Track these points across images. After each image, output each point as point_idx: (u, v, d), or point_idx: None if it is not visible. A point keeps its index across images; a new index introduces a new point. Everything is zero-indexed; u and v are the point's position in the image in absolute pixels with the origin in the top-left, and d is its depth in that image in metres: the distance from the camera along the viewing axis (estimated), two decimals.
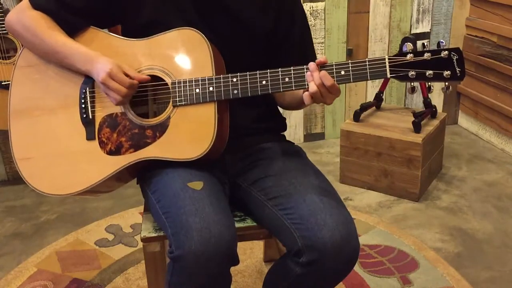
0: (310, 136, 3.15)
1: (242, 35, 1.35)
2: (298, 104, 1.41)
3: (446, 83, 1.19)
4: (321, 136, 3.17)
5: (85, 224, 2.32)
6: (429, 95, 2.59)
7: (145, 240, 1.38)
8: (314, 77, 1.18)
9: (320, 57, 1.20)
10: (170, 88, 1.27)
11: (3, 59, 2.40)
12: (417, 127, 2.41)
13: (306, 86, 1.21)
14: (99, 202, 2.50)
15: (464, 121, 3.28)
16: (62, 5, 1.32)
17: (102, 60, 1.27)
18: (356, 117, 2.58)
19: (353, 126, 2.54)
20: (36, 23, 1.31)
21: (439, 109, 3.11)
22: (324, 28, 2.94)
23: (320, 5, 2.89)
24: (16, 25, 1.34)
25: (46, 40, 1.30)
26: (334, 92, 1.19)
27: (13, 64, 1.38)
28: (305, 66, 1.21)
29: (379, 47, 3.06)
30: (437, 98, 3.19)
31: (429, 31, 3.09)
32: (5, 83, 2.39)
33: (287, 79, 1.22)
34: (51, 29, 1.31)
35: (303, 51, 1.43)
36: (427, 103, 2.59)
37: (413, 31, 3.07)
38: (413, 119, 2.43)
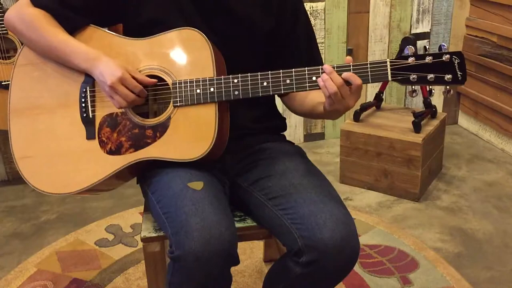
0: (310, 136, 3.15)
1: (244, 35, 1.35)
2: (313, 111, 1.37)
3: (447, 87, 1.19)
4: (321, 136, 3.17)
5: (85, 224, 2.32)
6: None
7: (145, 240, 1.38)
8: (333, 78, 1.16)
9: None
10: (171, 88, 1.27)
11: (3, 59, 2.40)
12: (417, 127, 2.41)
13: (308, 88, 1.21)
14: (99, 202, 2.50)
15: (464, 121, 3.28)
16: (62, 2, 1.32)
17: (106, 60, 1.26)
18: (356, 117, 2.58)
19: (353, 126, 2.54)
20: (36, 19, 1.31)
21: (439, 109, 3.11)
22: (324, 28, 2.94)
23: (320, 5, 2.89)
24: (16, 22, 1.33)
25: (46, 37, 1.30)
26: (355, 92, 1.18)
27: (13, 64, 1.38)
28: (306, 68, 1.20)
29: (379, 47, 3.06)
30: (437, 98, 3.19)
31: (429, 31, 3.09)
32: (5, 83, 2.39)
33: (288, 81, 1.22)
34: (52, 26, 1.31)
35: (309, 49, 1.43)
36: (427, 103, 2.60)
37: (413, 31, 3.07)
38: (413, 119, 2.43)
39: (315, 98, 1.34)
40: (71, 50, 1.29)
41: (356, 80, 1.16)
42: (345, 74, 1.16)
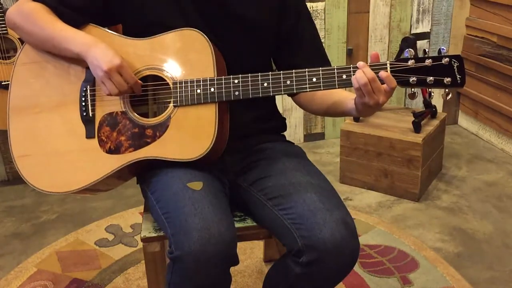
0: (310, 136, 3.15)
1: (245, 35, 1.35)
2: (335, 108, 1.35)
3: (447, 90, 1.19)
4: (321, 136, 3.17)
5: (85, 224, 2.32)
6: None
7: (145, 240, 1.38)
8: (365, 71, 1.14)
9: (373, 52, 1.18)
10: (171, 88, 1.27)
11: (3, 59, 2.40)
12: (417, 127, 2.41)
13: (308, 89, 1.21)
14: (99, 202, 2.50)
15: (464, 121, 3.28)
16: (62, 2, 1.32)
17: (104, 47, 1.25)
18: (356, 117, 2.58)
19: (353, 126, 2.54)
20: (34, 12, 1.31)
21: (439, 109, 3.11)
22: (324, 28, 2.94)
23: (320, 5, 2.89)
24: (16, 17, 1.34)
25: (43, 27, 1.29)
26: (388, 92, 1.16)
27: (13, 64, 1.37)
28: (307, 69, 1.20)
29: (379, 47, 3.06)
30: (437, 98, 3.19)
31: (429, 31, 3.09)
32: (5, 83, 2.39)
33: (288, 82, 1.22)
34: (50, 17, 1.31)
35: (314, 46, 1.43)
36: (427, 103, 2.60)
37: (413, 31, 3.07)
38: (413, 119, 2.43)
39: (336, 93, 1.34)
40: (66, 36, 1.28)
41: (391, 82, 1.15)
42: (382, 73, 1.15)
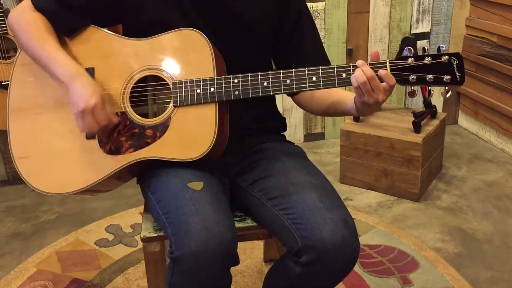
0: (310, 136, 3.15)
1: (245, 35, 1.35)
2: (334, 107, 1.35)
3: (446, 88, 1.19)
4: (321, 136, 3.17)
5: (85, 224, 2.32)
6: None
7: (145, 240, 1.38)
8: (364, 70, 1.15)
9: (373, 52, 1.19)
10: (171, 88, 1.27)
11: (3, 59, 2.40)
12: (417, 127, 2.41)
13: (308, 88, 1.21)
14: (99, 202, 2.50)
15: (464, 121, 3.28)
16: (62, 4, 1.31)
17: (84, 82, 1.24)
18: (356, 117, 2.58)
19: (353, 126, 2.54)
20: (30, 25, 1.30)
21: (439, 109, 3.11)
22: (324, 28, 2.94)
23: (320, 5, 2.90)
24: (15, 25, 1.33)
25: (35, 44, 1.29)
26: (387, 90, 1.16)
27: (13, 63, 1.37)
28: (306, 68, 1.20)
29: (379, 47, 3.06)
30: (437, 98, 3.19)
31: (429, 31, 3.09)
32: (5, 83, 2.39)
33: (288, 81, 1.22)
34: (44, 35, 1.29)
35: (315, 46, 1.43)
36: (427, 103, 2.60)
37: (413, 31, 3.07)
38: (413, 119, 2.43)
39: (336, 93, 1.34)
40: (54, 60, 1.27)
41: (390, 80, 1.15)
42: (381, 71, 1.15)
